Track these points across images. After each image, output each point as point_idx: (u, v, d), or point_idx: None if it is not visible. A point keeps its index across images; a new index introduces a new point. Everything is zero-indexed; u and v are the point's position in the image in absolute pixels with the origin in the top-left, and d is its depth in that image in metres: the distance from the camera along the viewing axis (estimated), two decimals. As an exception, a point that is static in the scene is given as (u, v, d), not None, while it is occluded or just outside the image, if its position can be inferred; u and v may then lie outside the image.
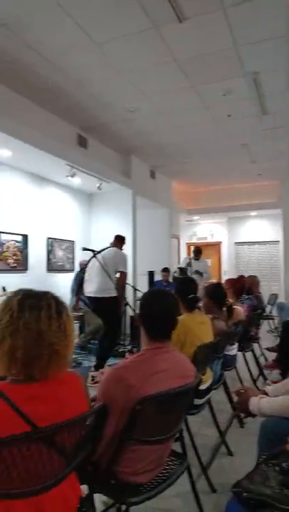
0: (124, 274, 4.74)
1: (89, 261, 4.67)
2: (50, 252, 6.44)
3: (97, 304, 4.59)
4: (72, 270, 6.83)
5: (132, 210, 7.21)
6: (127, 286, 6.32)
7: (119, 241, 5.05)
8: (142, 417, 1.43)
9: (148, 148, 7.12)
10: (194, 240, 11.98)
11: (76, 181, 6.18)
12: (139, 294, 6.29)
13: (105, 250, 4.79)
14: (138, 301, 6.18)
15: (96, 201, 7.59)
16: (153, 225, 8.68)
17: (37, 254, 6.15)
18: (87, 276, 4.69)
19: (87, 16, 3.46)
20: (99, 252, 4.74)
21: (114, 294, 4.53)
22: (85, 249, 5.03)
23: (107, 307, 4.52)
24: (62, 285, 6.35)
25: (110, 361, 4.57)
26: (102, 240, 7.11)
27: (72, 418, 1.20)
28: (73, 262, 6.96)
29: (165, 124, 5.98)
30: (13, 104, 4.91)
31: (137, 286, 6.71)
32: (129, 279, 6.77)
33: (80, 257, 6.75)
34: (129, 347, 5.03)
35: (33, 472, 1.16)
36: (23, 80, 4.63)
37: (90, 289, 4.59)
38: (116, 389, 1.48)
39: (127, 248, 7.03)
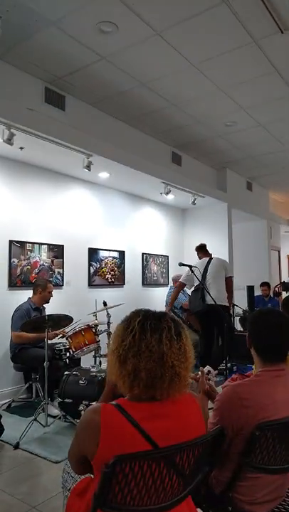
0: (232, 279, 4.98)
1: (205, 272, 4.87)
2: (144, 267, 6.61)
3: (214, 312, 4.64)
4: (166, 285, 6.91)
5: (227, 224, 7.09)
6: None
7: (206, 251, 5.19)
8: (261, 443, 1.35)
9: (245, 161, 7.01)
10: (297, 253, 11.26)
11: (170, 198, 6.30)
12: (238, 310, 6.11)
13: (210, 264, 4.93)
14: (237, 317, 6.01)
15: (189, 216, 7.63)
16: (250, 237, 8.42)
17: (132, 269, 6.36)
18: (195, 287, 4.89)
19: (183, 39, 3.57)
20: (205, 267, 4.89)
21: (227, 303, 4.70)
22: (181, 264, 5.05)
23: (223, 315, 4.57)
24: (156, 299, 6.46)
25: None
26: (196, 255, 7.14)
27: (194, 439, 1.19)
28: (167, 277, 7.05)
29: (263, 135, 5.84)
30: (111, 128, 5.24)
31: (235, 301, 6.51)
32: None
33: (173, 271, 6.80)
34: (228, 365, 4.87)
35: (152, 491, 1.16)
36: (121, 106, 4.92)
37: (208, 297, 4.67)
38: (231, 408, 1.43)
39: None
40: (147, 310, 1.30)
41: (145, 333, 1.21)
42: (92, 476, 1.37)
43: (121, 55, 3.81)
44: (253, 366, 1.69)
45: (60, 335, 4.19)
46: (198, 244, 5.34)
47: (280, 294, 7.37)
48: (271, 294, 7.19)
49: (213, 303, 4.54)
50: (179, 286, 5.17)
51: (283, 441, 1.41)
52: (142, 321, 1.24)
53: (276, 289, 7.36)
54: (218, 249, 7.04)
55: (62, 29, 3.43)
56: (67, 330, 4.07)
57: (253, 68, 4.05)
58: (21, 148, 4.20)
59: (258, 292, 7.06)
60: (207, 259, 5.03)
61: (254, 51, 3.74)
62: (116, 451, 1.11)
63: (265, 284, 7.17)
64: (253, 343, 1.61)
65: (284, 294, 7.13)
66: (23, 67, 4.05)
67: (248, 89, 4.47)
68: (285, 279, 7.38)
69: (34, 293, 4.32)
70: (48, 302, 4.36)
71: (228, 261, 6.71)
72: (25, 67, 4.05)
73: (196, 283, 4.85)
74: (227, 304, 4.73)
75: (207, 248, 5.24)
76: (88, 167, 4.52)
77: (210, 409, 1.56)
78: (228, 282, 4.89)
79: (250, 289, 6.39)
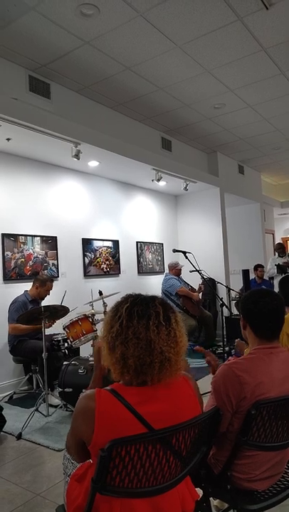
0: None
1: None
2: (139, 255, 6.60)
3: None
4: (162, 272, 6.91)
5: (220, 208, 7.06)
6: (219, 286, 6.22)
7: None
8: (258, 421, 1.36)
9: (235, 143, 6.95)
10: (291, 235, 11.28)
11: (162, 184, 6.25)
12: (234, 294, 6.14)
13: None
14: (233, 301, 6.04)
15: (182, 202, 7.60)
16: (244, 221, 8.42)
17: (127, 258, 6.34)
18: None
19: (166, 19, 3.49)
20: None
21: None
22: (175, 250, 5.05)
23: None
24: (153, 287, 6.46)
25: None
26: (190, 241, 7.15)
27: (189, 420, 1.20)
28: (163, 264, 7.04)
29: (252, 116, 5.79)
30: (98, 115, 5.16)
31: (230, 285, 6.54)
32: (222, 279, 6.65)
33: (168, 259, 6.80)
34: (226, 348, 4.90)
35: (150, 472, 1.17)
36: (108, 92, 4.84)
37: None
38: (228, 385, 1.44)
39: (218, 247, 6.95)
40: (137, 295, 1.28)
41: (132, 320, 1.20)
42: (91, 461, 1.38)
43: (104, 38, 3.73)
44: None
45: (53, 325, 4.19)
46: None
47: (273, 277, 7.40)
48: (266, 276, 7.23)
49: None
50: None
51: (279, 419, 1.43)
52: (129, 308, 1.23)
53: (271, 271, 7.38)
54: (212, 234, 7.07)
55: (42, 13, 3.34)
56: (64, 320, 4.07)
57: (239, 47, 3.98)
58: (8, 139, 4.14)
59: (251, 275, 7.07)
60: None
61: (240, 29, 3.67)
62: (112, 435, 1.11)
63: (259, 266, 7.20)
64: (251, 322, 1.60)
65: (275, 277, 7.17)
66: (5, 55, 3.96)
67: (235, 69, 4.41)
68: (273, 262, 7.36)
69: (32, 285, 4.30)
70: (43, 299, 4.33)
71: (221, 249, 6.94)
72: (7, 55, 3.96)
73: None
74: None
75: None
76: (77, 156, 4.46)
77: (207, 393, 1.56)
78: None
79: (246, 273, 6.42)
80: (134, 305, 1.23)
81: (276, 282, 6.84)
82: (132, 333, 1.18)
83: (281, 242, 9.00)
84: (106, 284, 5.62)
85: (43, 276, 4.46)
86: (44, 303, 4.17)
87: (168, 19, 3.48)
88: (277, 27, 3.67)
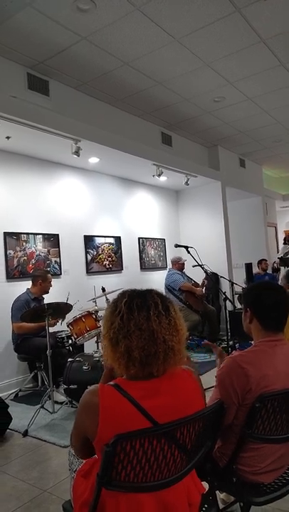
0: None
1: None
2: (142, 251, 6.59)
3: None
4: (164, 268, 6.91)
5: (221, 202, 7.03)
6: (222, 280, 6.21)
7: None
8: (262, 414, 1.36)
9: (236, 137, 6.92)
10: (294, 228, 11.25)
11: (162, 179, 6.23)
12: (237, 289, 6.14)
13: None
14: (236, 295, 6.04)
15: (183, 197, 7.58)
16: (246, 215, 8.40)
17: (130, 254, 6.34)
18: None
19: (163, 13, 3.45)
20: None
21: None
22: (177, 245, 5.04)
23: None
24: (156, 283, 6.45)
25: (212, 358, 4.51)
26: (192, 235, 7.14)
27: (193, 414, 1.20)
28: (165, 260, 7.04)
29: (253, 109, 5.75)
30: (98, 112, 5.14)
31: (233, 279, 6.53)
32: (225, 273, 6.65)
33: (171, 254, 6.79)
34: (230, 342, 4.90)
35: (155, 467, 1.17)
36: (106, 88, 4.81)
37: None
38: (234, 378, 1.44)
39: (220, 241, 6.93)
40: (133, 290, 1.30)
41: (132, 313, 1.21)
42: (96, 456, 1.38)
43: (101, 33, 3.71)
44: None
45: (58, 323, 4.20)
46: None
47: (278, 269, 7.39)
48: (270, 270, 7.22)
49: None
50: None
51: (284, 412, 1.43)
52: (128, 302, 1.24)
53: (275, 264, 7.38)
54: (214, 228, 7.06)
55: (38, 9, 3.32)
56: (68, 318, 4.08)
57: (238, 39, 3.95)
58: (8, 137, 4.13)
59: (255, 269, 7.05)
60: None
61: (238, 21, 3.63)
62: (116, 430, 1.11)
63: (263, 260, 7.18)
64: (257, 314, 1.59)
65: (282, 270, 7.15)
66: (2, 52, 3.94)
67: (234, 62, 4.37)
68: (279, 254, 7.36)
69: (34, 284, 4.30)
70: (47, 293, 4.36)
71: (223, 243, 6.92)
72: (5, 52, 3.93)
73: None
74: None
75: None
76: (77, 153, 4.45)
77: (210, 387, 1.56)
78: None
79: (248, 267, 6.40)
80: (133, 298, 1.25)
81: (280, 276, 6.83)
82: (133, 326, 1.19)
83: None
84: (109, 280, 5.62)
85: (41, 271, 4.49)
86: (47, 301, 4.17)
87: (165, 12, 3.45)
88: (275, 17, 3.63)
